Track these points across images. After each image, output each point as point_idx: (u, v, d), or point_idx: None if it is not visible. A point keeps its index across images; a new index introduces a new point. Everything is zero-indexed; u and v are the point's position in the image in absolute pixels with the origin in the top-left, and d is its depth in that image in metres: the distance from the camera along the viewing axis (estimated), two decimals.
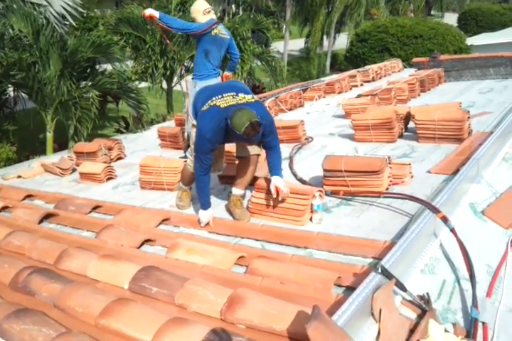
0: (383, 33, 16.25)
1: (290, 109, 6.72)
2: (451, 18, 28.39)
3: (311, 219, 2.80)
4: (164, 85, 11.15)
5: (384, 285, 1.81)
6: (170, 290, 2.06)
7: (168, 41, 5.85)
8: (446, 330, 1.75)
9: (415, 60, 8.87)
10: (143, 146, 5.76)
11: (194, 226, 2.93)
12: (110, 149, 4.94)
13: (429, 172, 3.36)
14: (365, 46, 16.76)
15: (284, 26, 23.70)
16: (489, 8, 27.12)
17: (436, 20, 19.28)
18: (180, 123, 5.49)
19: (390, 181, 3.08)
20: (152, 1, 13.27)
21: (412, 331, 1.74)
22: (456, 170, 3.11)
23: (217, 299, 1.94)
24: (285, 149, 3.53)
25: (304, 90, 7.59)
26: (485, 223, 2.67)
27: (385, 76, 9.12)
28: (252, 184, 3.09)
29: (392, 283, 1.84)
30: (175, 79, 10.93)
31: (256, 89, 12.08)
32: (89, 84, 7.36)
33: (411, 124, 4.55)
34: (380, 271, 1.84)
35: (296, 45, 24.63)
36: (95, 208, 3.46)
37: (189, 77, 4.72)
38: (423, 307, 1.86)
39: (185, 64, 10.25)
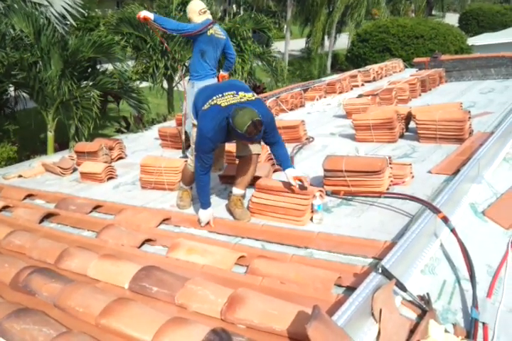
0: (384, 33, 16.24)
1: (291, 109, 6.73)
2: (452, 18, 28.38)
3: (311, 219, 2.80)
4: (165, 85, 11.16)
5: (384, 285, 1.81)
6: (170, 290, 2.07)
7: (166, 45, 5.85)
8: (446, 331, 1.75)
9: (416, 60, 8.87)
10: (144, 146, 5.76)
11: (195, 226, 2.94)
12: (111, 149, 4.94)
13: (429, 172, 3.36)
14: (366, 46, 16.75)
15: (285, 26, 23.70)
16: (490, 9, 27.10)
17: (438, 21, 19.27)
18: (181, 123, 5.48)
19: (391, 181, 3.08)
20: (153, 1, 13.27)
21: (412, 331, 1.74)
22: (456, 170, 3.11)
23: (217, 299, 1.94)
24: None
25: (305, 90, 7.59)
26: (485, 223, 2.67)
27: (386, 76, 9.12)
28: (252, 184, 3.09)
29: (392, 283, 1.84)
30: (175, 78, 10.95)
31: (257, 89, 12.07)
32: (90, 83, 7.36)
33: (412, 124, 4.55)
34: (380, 271, 1.84)
35: (297, 45, 24.63)
36: (96, 208, 3.46)
37: (188, 78, 4.73)
38: (423, 307, 1.85)
39: (186, 64, 10.25)
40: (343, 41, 23.09)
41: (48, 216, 3.40)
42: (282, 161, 2.97)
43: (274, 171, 3.73)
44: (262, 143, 3.04)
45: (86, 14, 11.74)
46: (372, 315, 1.75)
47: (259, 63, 12.00)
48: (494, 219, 2.70)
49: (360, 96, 6.08)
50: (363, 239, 2.44)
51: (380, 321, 1.72)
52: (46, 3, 8.53)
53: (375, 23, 17.64)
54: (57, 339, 1.76)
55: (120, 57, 7.64)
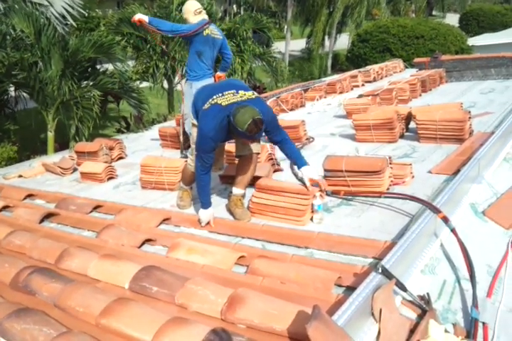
0: (384, 33, 16.24)
1: (291, 109, 6.73)
2: (452, 19, 28.38)
3: (311, 219, 2.80)
4: (165, 85, 11.16)
5: (384, 285, 1.81)
6: (170, 290, 2.07)
7: (164, 47, 5.83)
8: (446, 330, 1.75)
9: (416, 60, 8.88)
10: (144, 146, 5.76)
11: (195, 226, 2.94)
12: (111, 149, 4.94)
13: (430, 172, 3.36)
14: (367, 46, 16.75)
15: (286, 26, 23.71)
16: (491, 9, 27.08)
17: (438, 21, 19.27)
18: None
19: (391, 181, 3.08)
20: (153, 1, 13.27)
21: (412, 331, 1.74)
22: (457, 170, 3.11)
23: (217, 299, 1.94)
24: None
25: (305, 90, 7.59)
26: (485, 223, 2.67)
27: (386, 76, 9.12)
28: (252, 184, 3.09)
29: (392, 283, 1.84)
30: (176, 79, 10.95)
31: (257, 90, 12.07)
32: (91, 83, 7.36)
33: (412, 124, 4.55)
34: (380, 271, 1.84)
35: (297, 45, 24.63)
36: (96, 208, 3.46)
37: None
38: (423, 307, 1.85)
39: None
40: (343, 41, 23.10)
41: (48, 216, 3.40)
42: (296, 159, 2.95)
43: (275, 171, 3.74)
44: (262, 142, 3.04)
45: (86, 14, 11.76)
46: (373, 314, 1.75)
47: (260, 63, 11.99)
48: (494, 219, 2.70)
49: (360, 96, 6.09)
50: (363, 239, 2.44)
51: (380, 321, 1.72)
52: (46, 3, 8.54)
53: (375, 24, 17.64)
54: (58, 339, 1.76)
55: (120, 57, 7.64)
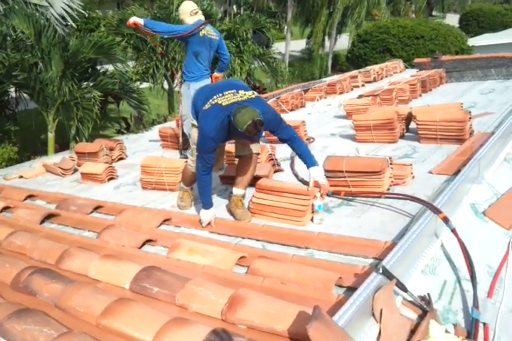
0: (385, 33, 16.25)
1: (291, 110, 6.73)
2: (452, 19, 28.38)
3: (312, 220, 2.80)
4: (165, 86, 11.16)
5: (385, 285, 1.81)
6: (171, 291, 2.07)
7: (161, 49, 5.82)
8: (447, 331, 1.75)
9: (417, 60, 8.89)
10: (144, 147, 5.76)
11: (195, 226, 2.94)
12: (111, 149, 4.95)
13: (430, 172, 3.36)
14: (367, 47, 16.76)
15: (286, 27, 23.72)
16: (491, 9, 27.08)
17: (438, 21, 19.28)
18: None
19: (391, 182, 3.08)
20: (153, 2, 13.29)
21: (412, 331, 1.74)
22: (457, 170, 3.11)
23: (218, 299, 1.94)
24: (286, 149, 3.54)
25: (306, 91, 7.59)
26: (486, 224, 2.67)
27: (386, 76, 9.12)
28: (252, 184, 3.09)
29: (393, 284, 1.84)
30: (175, 80, 10.96)
31: (257, 90, 12.09)
32: (91, 84, 7.36)
33: (412, 125, 4.55)
34: (380, 271, 1.84)
35: (297, 45, 24.64)
36: (96, 208, 3.46)
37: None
38: (424, 307, 1.85)
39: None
40: (343, 42, 23.11)
41: (49, 216, 3.40)
42: (305, 158, 2.93)
43: (275, 171, 3.74)
44: (262, 143, 3.04)
45: (86, 15, 11.77)
46: (373, 315, 1.75)
47: (259, 64, 12.00)
48: (495, 219, 2.70)
49: (360, 96, 6.08)
50: (364, 240, 2.44)
51: (380, 321, 1.72)
52: (46, 4, 8.55)
53: (375, 24, 17.65)
54: (58, 340, 1.76)
55: (121, 58, 7.64)
